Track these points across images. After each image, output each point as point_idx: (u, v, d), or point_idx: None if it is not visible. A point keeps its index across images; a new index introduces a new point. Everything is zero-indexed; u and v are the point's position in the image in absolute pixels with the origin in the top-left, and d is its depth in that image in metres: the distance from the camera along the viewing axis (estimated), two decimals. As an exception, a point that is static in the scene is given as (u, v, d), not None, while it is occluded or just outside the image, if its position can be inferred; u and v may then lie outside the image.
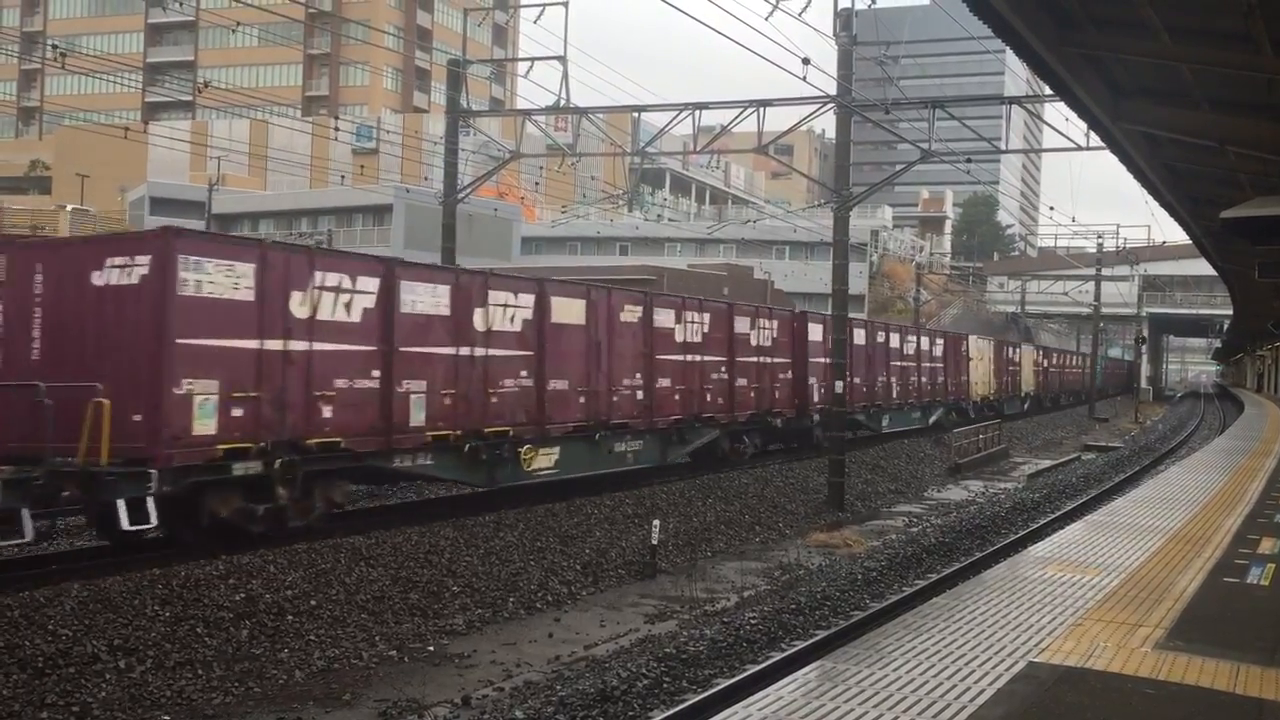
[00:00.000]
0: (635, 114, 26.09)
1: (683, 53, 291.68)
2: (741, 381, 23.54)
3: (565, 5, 23.93)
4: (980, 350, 43.27)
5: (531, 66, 25.56)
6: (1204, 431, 46.20)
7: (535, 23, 24.48)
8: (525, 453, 17.20)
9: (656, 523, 15.75)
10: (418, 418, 15.18)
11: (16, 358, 12.84)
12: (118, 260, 12.39)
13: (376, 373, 14.52)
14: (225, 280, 12.60)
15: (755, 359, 24.20)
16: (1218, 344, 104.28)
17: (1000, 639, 7.01)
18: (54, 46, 33.38)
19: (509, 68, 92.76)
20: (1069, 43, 12.24)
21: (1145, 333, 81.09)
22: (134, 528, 11.54)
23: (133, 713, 8.83)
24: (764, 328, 24.81)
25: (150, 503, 11.67)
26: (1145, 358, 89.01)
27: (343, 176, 60.44)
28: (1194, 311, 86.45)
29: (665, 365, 20.92)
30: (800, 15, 19.91)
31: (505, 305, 16.96)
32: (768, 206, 75.82)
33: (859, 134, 25.07)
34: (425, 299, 15.47)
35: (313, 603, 11.56)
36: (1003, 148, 32.00)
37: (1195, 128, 14.96)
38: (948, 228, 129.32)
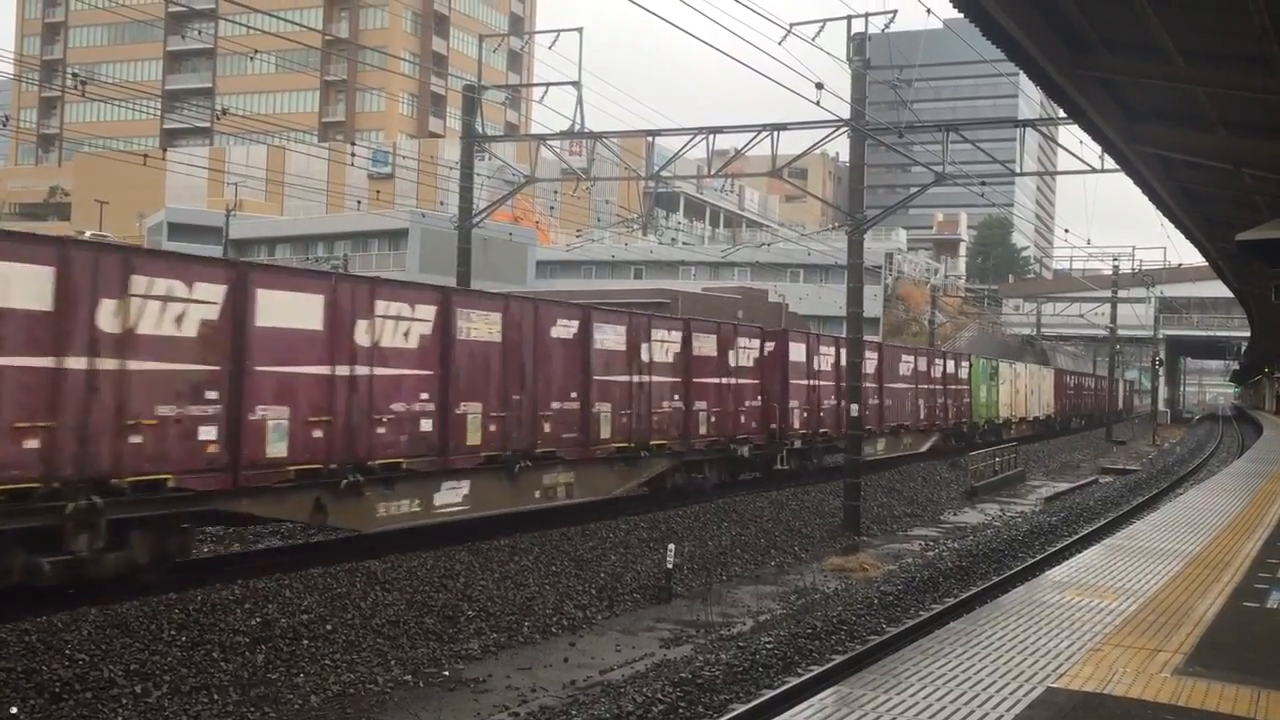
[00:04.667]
0: (649, 138, 26.15)
1: (696, 78, 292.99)
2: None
3: (580, 31, 24.10)
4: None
5: (546, 92, 25.69)
6: (1222, 454, 45.89)
7: (550, 48, 24.67)
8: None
9: (671, 547, 15.73)
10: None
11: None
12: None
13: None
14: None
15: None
16: (1235, 366, 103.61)
17: (1018, 664, 6.96)
18: (74, 74, 33.75)
19: (524, 93, 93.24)
20: (1082, 66, 12.23)
21: (1162, 355, 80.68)
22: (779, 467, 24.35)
23: (149, 738, 8.84)
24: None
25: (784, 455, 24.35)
26: (1163, 379, 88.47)
27: (359, 201, 60.83)
28: (1211, 333, 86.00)
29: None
30: (814, 40, 20.04)
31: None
32: (782, 230, 75.91)
33: (873, 157, 25.14)
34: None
35: (328, 627, 11.57)
36: (1017, 170, 32.08)
37: (1210, 151, 14.92)
38: (962, 250, 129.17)
